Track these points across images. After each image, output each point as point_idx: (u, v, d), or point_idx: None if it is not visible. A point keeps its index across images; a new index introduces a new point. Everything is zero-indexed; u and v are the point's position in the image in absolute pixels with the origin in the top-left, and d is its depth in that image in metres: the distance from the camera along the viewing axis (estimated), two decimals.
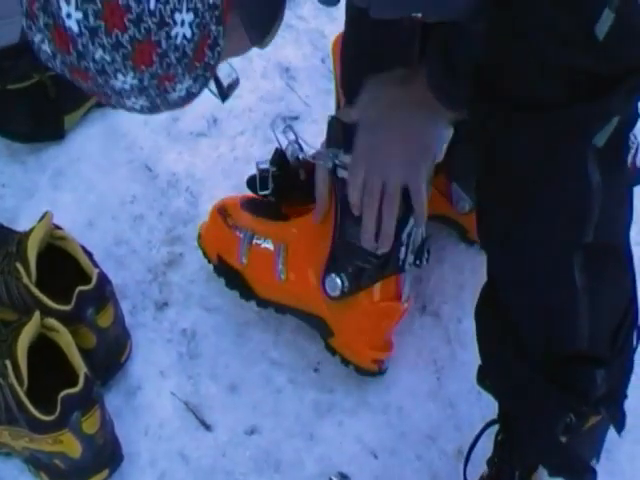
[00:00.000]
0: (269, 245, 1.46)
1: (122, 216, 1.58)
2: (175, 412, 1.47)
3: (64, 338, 1.34)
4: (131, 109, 0.93)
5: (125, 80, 0.87)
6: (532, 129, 1.02)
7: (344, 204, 1.38)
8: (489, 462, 1.32)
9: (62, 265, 1.42)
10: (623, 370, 1.22)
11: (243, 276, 1.53)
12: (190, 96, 0.94)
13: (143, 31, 0.84)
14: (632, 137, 1.35)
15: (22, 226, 1.50)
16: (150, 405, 1.47)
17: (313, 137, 1.45)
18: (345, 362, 1.49)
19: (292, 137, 1.45)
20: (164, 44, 0.85)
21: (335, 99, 1.53)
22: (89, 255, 1.44)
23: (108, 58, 0.85)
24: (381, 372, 1.49)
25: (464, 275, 1.59)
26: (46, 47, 0.86)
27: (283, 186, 1.47)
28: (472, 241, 1.61)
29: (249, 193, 1.52)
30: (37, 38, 0.86)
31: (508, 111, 1.02)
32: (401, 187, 1.31)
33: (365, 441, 1.46)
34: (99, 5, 0.81)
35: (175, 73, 0.89)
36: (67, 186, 1.61)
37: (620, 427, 1.24)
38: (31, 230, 1.41)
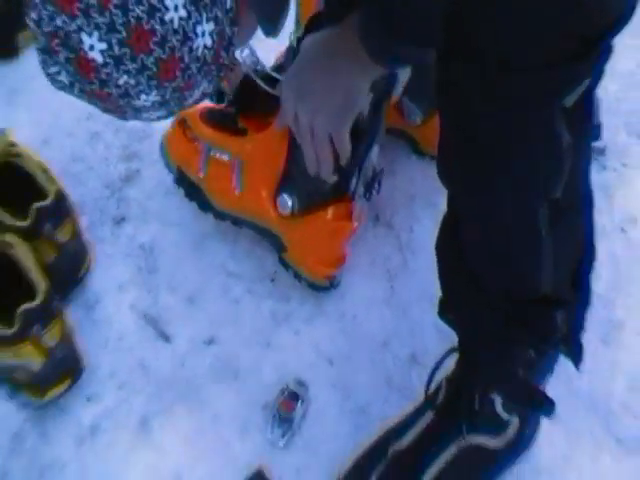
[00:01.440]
0: (227, 157, 1.46)
1: (78, 133, 1.57)
2: (134, 324, 1.48)
3: (22, 253, 1.33)
4: (146, 120, 0.93)
5: (147, 98, 0.87)
6: (505, 89, 0.99)
7: None
8: (449, 381, 1.34)
9: (20, 182, 1.40)
10: (582, 309, 1.25)
11: (202, 188, 1.53)
12: (204, 97, 0.94)
13: (167, 50, 0.84)
14: None
15: None
16: (109, 318, 1.48)
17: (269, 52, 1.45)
18: (298, 277, 1.51)
19: (249, 50, 1.44)
20: (187, 58, 0.86)
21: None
22: (46, 172, 1.41)
23: (132, 82, 0.85)
24: (333, 286, 1.51)
25: (415, 186, 1.60)
26: (62, 77, 0.86)
27: (242, 96, 1.45)
28: (423, 153, 1.61)
29: None
30: (52, 70, 0.86)
31: (482, 69, 0.98)
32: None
33: (321, 348, 1.47)
34: (124, 33, 0.81)
35: (195, 81, 0.89)
36: (22, 104, 1.60)
37: (578, 361, 1.26)
38: None
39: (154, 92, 0.86)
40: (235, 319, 1.49)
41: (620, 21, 0.97)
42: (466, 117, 1.03)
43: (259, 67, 1.41)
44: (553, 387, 1.40)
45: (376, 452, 1.35)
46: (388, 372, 1.46)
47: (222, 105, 1.46)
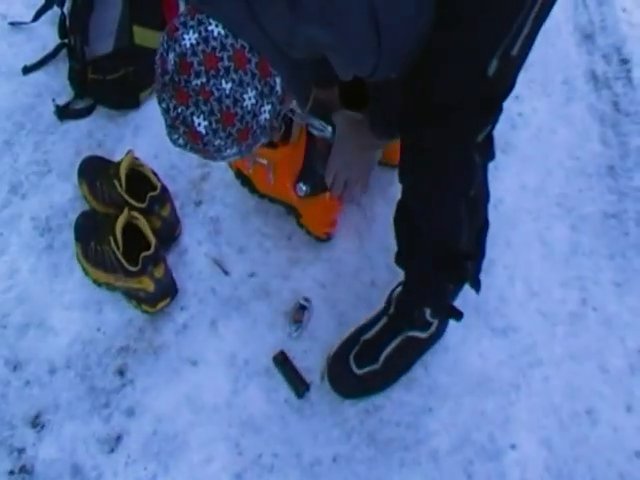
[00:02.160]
0: (265, 162, 1.47)
1: (174, 151, 1.52)
2: (207, 265, 1.54)
3: (142, 223, 1.41)
4: (225, 160, 0.97)
5: (230, 152, 0.92)
6: (441, 128, 1.02)
7: (312, 147, 1.45)
8: (397, 300, 1.42)
9: (140, 181, 1.48)
10: (481, 258, 1.35)
11: (251, 179, 1.57)
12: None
13: (244, 123, 0.88)
14: None
15: (117, 159, 1.54)
16: (192, 261, 1.55)
17: None
18: (308, 233, 1.57)
19: None
20: (255, 127, 0.90)
21: None
22: (156, 175, 1.50)
23: (223, 143, 0.89)
24: (329, 239, 1.57)
25: (373, 181, 1.60)
26: (180, 141, 0.90)
27: None
28: (381, 163, 1.61)
29: None
30: (174, 137, 0.90)
31: (426, 112, 1.03)
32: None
33: (318, 278, 1.54)
34: (218, 115, 0.86)
35: (258, 139, 0.94)
36: (143, 135, 1.65)
37: (478, 290, 1.35)
38: (121, 160, 1.47)
39: (235, 148, 0.91)
40: (267, 261, 1.55)
41: (509, 93, 1.04)
42: (417, 147, 1.08)
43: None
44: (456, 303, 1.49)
45: (352, 340, 1.44)
46: (358, 292, 1.53)
47: None
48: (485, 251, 1.34)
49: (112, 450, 1.36)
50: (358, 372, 1.41)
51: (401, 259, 1.35)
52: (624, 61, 1.91)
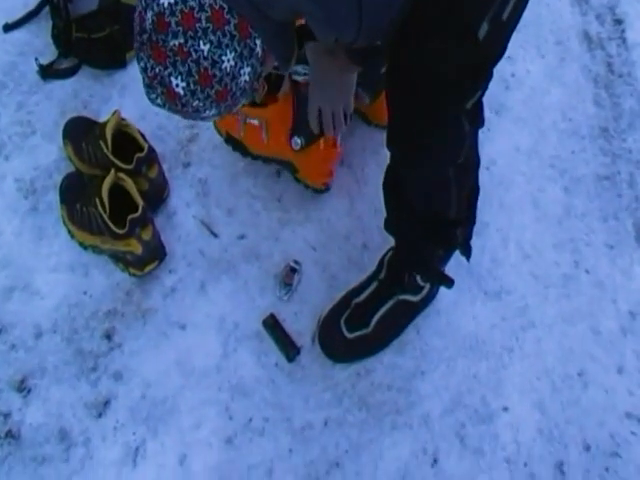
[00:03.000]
0: (256, 122, 1.42)
1: (161, 112, 1.38)
2: (196, 227, 1.48)
3: (129, 185, 1.34)
4: (205, 120, 0.93)
5: (209, 113, 0.87)
6: (428, 94, 0.98)
7: (299, 97, 1.38)
8: (389, 263, 1.37)
9: (127, 142, 1.40)
10: (471, 225, 1.30)
11: (242, 142, 1.51)
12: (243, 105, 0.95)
13: (223, 85, 0.84)
14: None
15: (103, 120, 1.46)
16: (181, 223, 1.48)
17: None
18: (306, 186, 1.51)
19: None
20: (234, 89, 0.85)
21: None
22: (143, 136, 1.42)
23: (201, 104, 0.84)
24: (327, 190, 1.52)
25: (365, 143, 1.58)
26: (159, 101, 0.86)
27: None
28: (370, 122, 1.59)
29: None
30: (152, 97, 0.86)
31: (414, 79, 0.98)
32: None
33: (308, 240, 1.49)
34: (196, 77, 0.81)
35: (239, 101, 0.89)
36: (129, 95, 1.57)
37: (469, 257, 1.32)
38: (107, 121, 1.40)
39: (214, 109, 0.86)
40: (257, 223, 1.49)
41: (499, 59, 0.98)
42: (405, 114, 1.03)
43: None
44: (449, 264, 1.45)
45: (343, 303, 1.39)
46: (349, 254, 1.48)
47: None
48: (475, 217, 1.29)
49: (100, 415, 1.31)
50: (349, 336, 1.36)
51: (390, 226, 1.31)
52: (618, 21, 1.84)
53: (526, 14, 1.02)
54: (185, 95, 0.83)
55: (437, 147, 1.06)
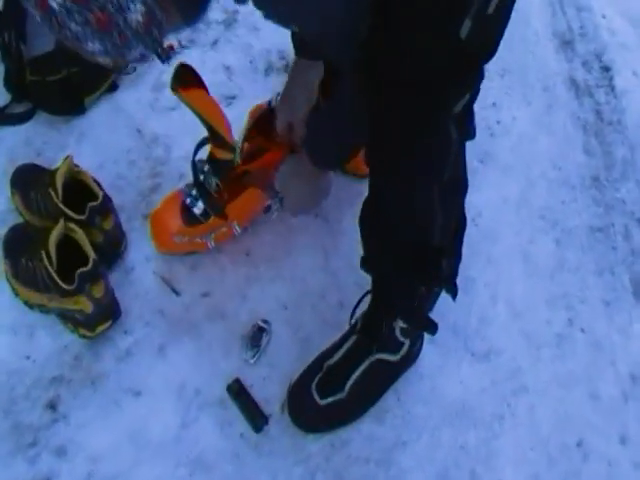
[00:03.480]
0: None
1: (122, 161, 1.47)
2: (156, 284, 1.37)
3: (80, 236, 1.24)
4: (102, 63, 0.82)
5: (93, 47, 0.76)
6: (410, 100, 0.90)
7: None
8: (364, 315, 1.27)
9: (80, 191, 1.31)
10: (457, 259, 1.19)
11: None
12: (145, 58, 0.82)
13: (105, 12, 0.73)
14: None
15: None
16: (139, 279, 1.37)
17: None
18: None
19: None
20: (122, 24, 0.74)
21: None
22: (98, 184, 1.33)
23: (80, 30, 0.74)
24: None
25: (341, 194, 1.46)
26: (38, 19, 0.75)
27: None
28: (346, 172, 1.49)
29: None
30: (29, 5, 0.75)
31: (393, 89, 0.90)
32: None
33: (280, 299, 1.38)
34: None
35: (130, 43, 0.77)
36: (87, 143, 1.48)
37: (454, 296, 1.22)
38: (58, 167, 1.30)
39: (97, 43, 0.75)
40: (222, 280, 1.38)
41: (489, 56, 0.91)
42: (385, 121, 0.95)
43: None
44: None
45: (315, 367, 1.28)
46: (323, 314, 1.37)
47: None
48: (461, 252, 1.19)
49: None
50: (321, 402, 1.24)
51: (368, 261, 1.21)
52: (605, 68, 1.80)
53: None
54: (60, 12, 0.73)
55: (421, 157, 0.97)
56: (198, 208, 1.34)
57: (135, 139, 1.51)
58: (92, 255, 1.22)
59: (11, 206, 1.39)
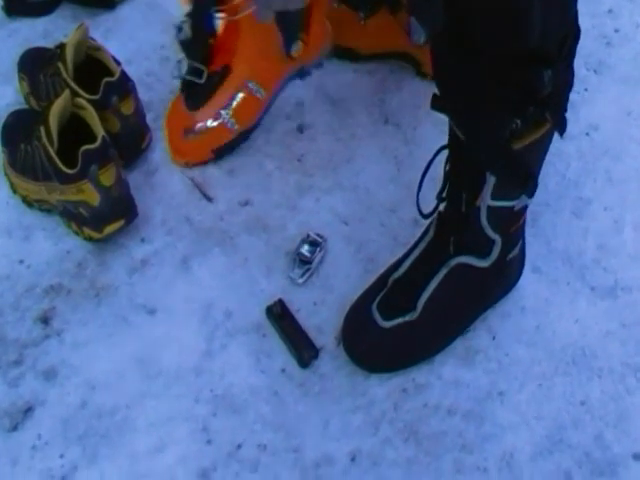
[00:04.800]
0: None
1: (153, 57, 1.26)
2: (184, 187, 1.14)
3: (89, 113, 1.03)
4: None
5: None
6: None
7: None
8: (438, 196, 0.98)
9: (97, 72, 1.10)
10: (566, 77, 0.86)
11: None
12: None
13: None
14: None
15: None
16: (164, 183, 1.15)
17: None
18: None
19: None
20: None
21: None
22: (117, 62, 1.11)
23: None
24: None
25: (419, 100, 1.22)
26: None
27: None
28: (425, 74, 1.25)
29: None
30: None
31: None
32: None
33: (338, 212, 1.13)
34: None
35: None
36: (115, 39, 1.28)
37: (562, 130, 0.87)
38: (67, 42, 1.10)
39: None
40: (267, 187, 1.15)
41: None
42: None
43: None
44: (534, 247, 1.08)
45: (378, 284, 1.01)
46: (394, 231, 1.11)
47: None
48: (572, 74, 0.86)
49: (15, 427, 0.93)
50: (385, 325, 0.97)
51: (440, 94, 0.88)
52: None
53: None
54: None
55: None
56: (191, 74, 1.14)
57: (171, 35, 1.26)
58: (101, 132, 1.01)
59: (20, 99, 1.20)
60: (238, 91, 1.14)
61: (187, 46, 1.11)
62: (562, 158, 1.21)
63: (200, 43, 1.12)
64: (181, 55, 1.13)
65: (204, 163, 1.16)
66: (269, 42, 1.14)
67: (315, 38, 1.18)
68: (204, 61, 1.13)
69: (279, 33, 1.13)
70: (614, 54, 1.36)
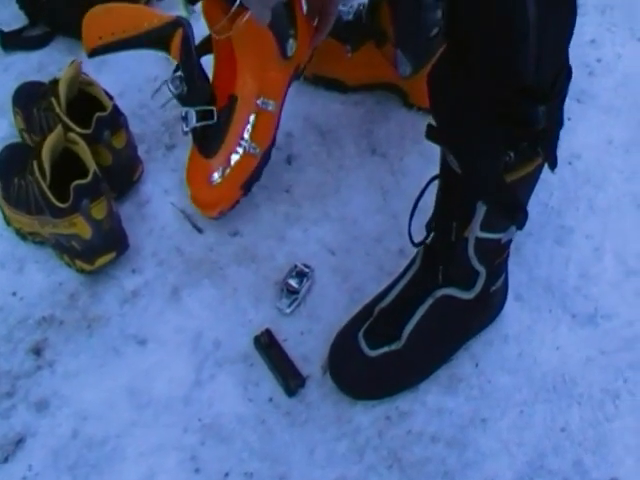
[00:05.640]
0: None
1: (146, 89, 1.29)
2: (175, 219, 1.18)
3: (81, 148, 1.07)
4: None
5: None
6: None
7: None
8: (428, 225, 1.02)
9: (89, 106, 1.14)
10: (558, 113, 0.89)
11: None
12: None
13: None
14: None
15: None
16: (155, 214, 1.19)
17: None
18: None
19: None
20: None
21: None
22: (110, 96, 1.16)
23: None
24: None
25: (405, 130, 1.28)
26: None
27: None
28: (411, 105, 1.30)
29: None
30: None
31: None
32: None
33: (325, 242, 1.17)
34: None
35: None
36: (108, 71, 1.31)
37: (553, 165, 0.91)
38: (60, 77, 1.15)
39: None
40: (256, 218, 1.18)
41: None
42: None
43: None
44: (516, 275, 1.11)
45: (364, 313, 1.04)
46: (380, 261, 1.15)
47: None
48: (563, 114, 0.90)
49: (6, 459, 0.97)
50: (371, 354, 1.00)
51: (435, 123, 0.91)
52: None
53: None
54: None
55: None
56: (202, 120, 1.12)
57: (164, 67, 1.32)
58: (93, 167, 1.05)
59: (14, 132, 1.25)
60: (250, 114, 1.13)
61: (188, 97, 1.10)
62: (545, 187, 1.25)
63: (201, 88, 1.11)
64: (185, 109, 1.12)
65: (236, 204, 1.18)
66: (266, 51, 1.12)
67: (303, 32, 1.14)
68: (210, 101, 1.12)
69: (273, 37, 1.11)
70: (596, 83, 1.41)
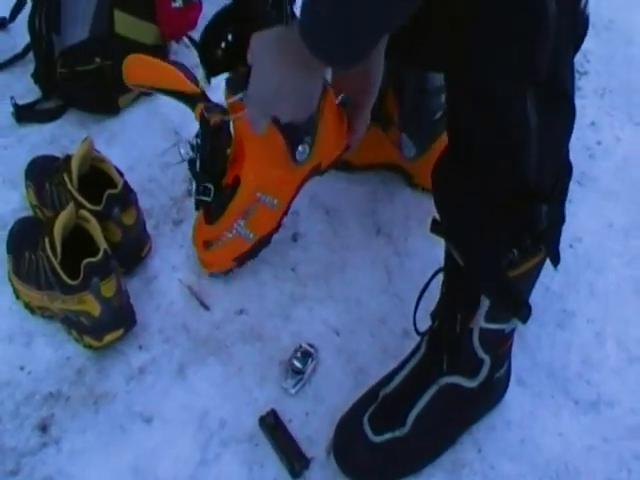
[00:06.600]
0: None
1: (155, 164, 1.37)
2: (182, 296, 1.23)
3: (92, 225, 1.12)
4: None
5: None
6: None
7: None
8: (433, 314, 1.08)
9: (100, 183, 1.19)
10: (560, 213, 0.96)
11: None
12: None
13: None
14: None
15: None
16: (162, 290, 1.24)
17: None
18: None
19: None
20: None
21: None
22: (120, 173, 1.20)
23: None
24: None
25: (409, 210, 1.34)
26: None
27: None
28: (415, 185, 1.37)
29: None
30: None
31: None
32: None
33: (330, 323, 1.21)
34: None
35: None
36: (117, 145, 1.40)
37: (556, 262, 0.98)
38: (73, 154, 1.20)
39: None
40: (261, 296, 1.23)
41: None
42: None
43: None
44: (519, 360, 1.16)
45: (369, 397, 1.08)
46: (384, 343, 1.20)
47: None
48: (564, 211, 0.97)
49: None
50: (375, 440, 1.03)
51: (440, 218, 0.97)
52: None
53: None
54: None
55: (505, 35, 0.78)
56: (201, 194, 1.16)
57: (172, 141, 1.41)
58: (104, 245, 1.10)
59: (25, 204, 1.30)
60: (250, 205, 1.15)
61: (193, 168, 1.14)
62: (547, 271, 1.28)
63: (209, 164, 1.14)
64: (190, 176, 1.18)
65: (229, 271, 1.24)
66: (272, 150, 1.10)
67: (325, 139, 1.10)
68: (214, 178, 1.16)
69: (282, 139, 1.08)
70: (596, 166, 1.48)
